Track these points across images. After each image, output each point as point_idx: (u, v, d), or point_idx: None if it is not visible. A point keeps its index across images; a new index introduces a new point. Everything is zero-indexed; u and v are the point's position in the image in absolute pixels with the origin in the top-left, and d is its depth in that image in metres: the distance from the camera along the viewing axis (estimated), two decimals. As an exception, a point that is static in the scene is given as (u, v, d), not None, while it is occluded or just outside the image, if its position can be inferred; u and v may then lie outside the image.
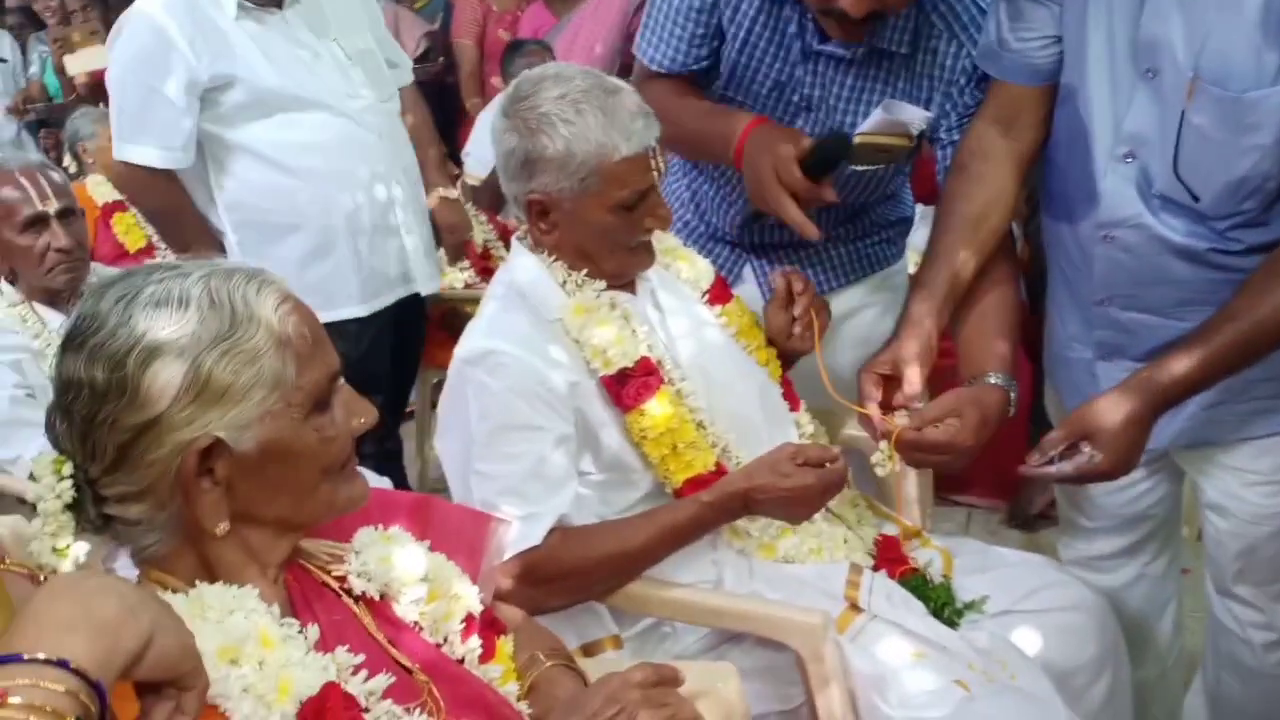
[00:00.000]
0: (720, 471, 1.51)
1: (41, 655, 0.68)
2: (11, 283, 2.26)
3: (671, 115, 1.61)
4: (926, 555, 1.59)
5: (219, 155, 2.45)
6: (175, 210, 2.57)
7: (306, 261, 2.46)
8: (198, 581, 0.95)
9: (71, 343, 0.93)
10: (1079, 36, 1.42)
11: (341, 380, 1.03)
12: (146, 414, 0.90)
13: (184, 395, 0.90)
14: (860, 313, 1.96)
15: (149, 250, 3.52)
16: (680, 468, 1.50)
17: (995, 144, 1.57)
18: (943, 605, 1.50)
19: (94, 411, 0.91)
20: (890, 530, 1.62)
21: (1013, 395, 1.50)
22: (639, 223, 1.50)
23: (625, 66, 4.27)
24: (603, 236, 1.50)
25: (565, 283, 1.53)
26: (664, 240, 1.69)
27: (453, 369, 1.52)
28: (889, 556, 1.54)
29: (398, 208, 2.55)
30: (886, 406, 1.48)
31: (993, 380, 1.49)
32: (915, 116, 1.62)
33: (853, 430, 1.76)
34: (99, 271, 2.43)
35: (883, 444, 1.44)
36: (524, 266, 1.56)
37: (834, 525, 1.56)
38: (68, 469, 0.94)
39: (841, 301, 1.90)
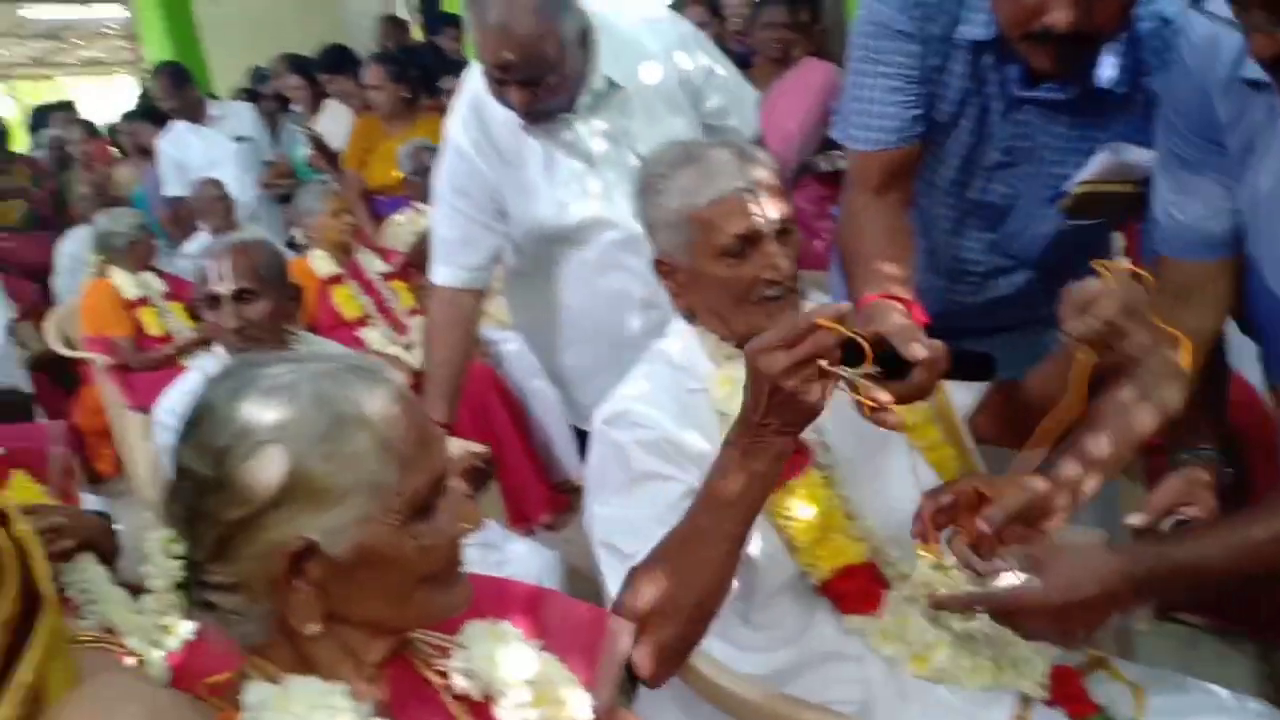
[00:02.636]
0: (870, 565, 1.40)
1: None
2: (233, 352, 2.42)
3: (851, 239, 1.60)
4: (1113, 690, 1.39)
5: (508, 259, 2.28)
6: (433, 334, 2.24)
7: (589, 373, 2.26)
8: (290, 673, 0.94)
9: (185, 432, 0.95)
10: (1267, 208, 1.23)
11: (449, 483, 1.00)
12: (242, 510, 0.90)
13: (280, 494, 0.89)
14: None
15: (363, 320, 3.74)
16: (829, 554, 1.40)
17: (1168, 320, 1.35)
18: (1128, 753, 1.30)
19: (196, 501, 0.92)
20: (1073, 658, 1.43)
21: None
22: (755, 274, 1.44)
23: (826, 141, 4.20)
24: (721, 290, 1.46)
25: (714, 354, 1.50)
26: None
27: (593, 433, 1.50)
28: (1066, 692, 1.35)
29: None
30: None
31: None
32: (1145, 159, 1.44)
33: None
34: (309, 341, 2.57)
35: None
36: (676, 333, 1.55)
37: (1001, 646, 1.39)
38: (177, 549, 0.95)
39: None
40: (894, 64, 1.56)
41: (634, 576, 1.29)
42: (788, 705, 1.36)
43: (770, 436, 1.18)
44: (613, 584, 1.35)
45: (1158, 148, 1.36)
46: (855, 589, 1.39)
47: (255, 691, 0.93)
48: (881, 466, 1.47)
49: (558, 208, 2.11)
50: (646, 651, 1.28)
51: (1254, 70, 1.14)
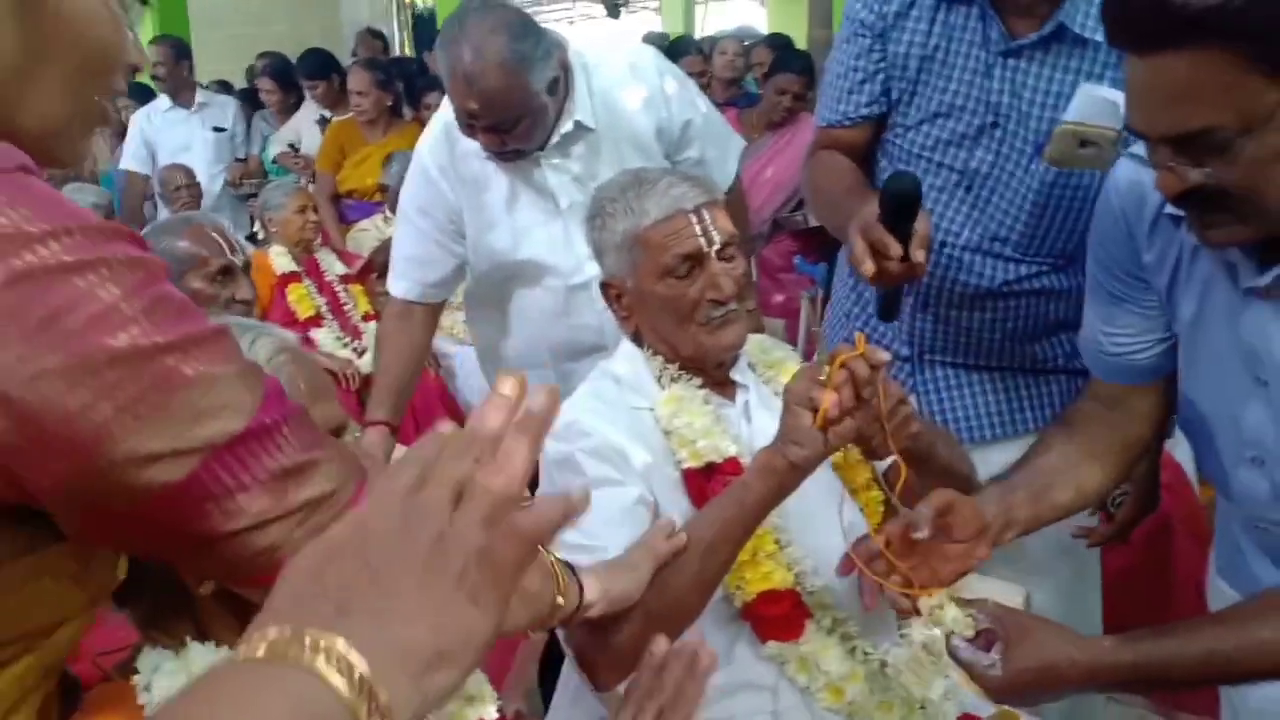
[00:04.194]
0: (794, 592, 1.40)
1: None
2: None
3: (821, 196, 1.71)
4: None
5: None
6: (384, 341, 2.31)
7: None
8: (189, 639, 0.92)
9: None
10: (1189, 336, 1.28)
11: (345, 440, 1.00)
12: None
13: None
14: None
15: (316, 320, 3.70)
16: (756, 578, 1.40)
17: (1097, 419, 1.40)
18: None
19: None
20: (983, 709, 1.42)
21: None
22: (699, 294, 1.46)
23: (800, 203, 4.24)
24: (666, 311, 1.48)
25: (661, 376, 1.51)
26: (771, 352, 1.63)
27: (543, 452, 1.48)
28: (971, 738, 1.36)
29: None
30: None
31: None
32: (1122, 99, 1.47)
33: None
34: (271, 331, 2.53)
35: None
36: (624, 354, 1.57)
37: (915, 687, 1.38)
38: None
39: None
40: (848, 52, 1.71)
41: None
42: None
43: (773, 458, 1.25)
44: None
45: (1087, 279, 1.39)
46: (779, 614, 1.39)
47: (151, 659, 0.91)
48: (805, 500, 1.47)
49: (513, 241, 2.13)
50: (603, 653, 1.29)
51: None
